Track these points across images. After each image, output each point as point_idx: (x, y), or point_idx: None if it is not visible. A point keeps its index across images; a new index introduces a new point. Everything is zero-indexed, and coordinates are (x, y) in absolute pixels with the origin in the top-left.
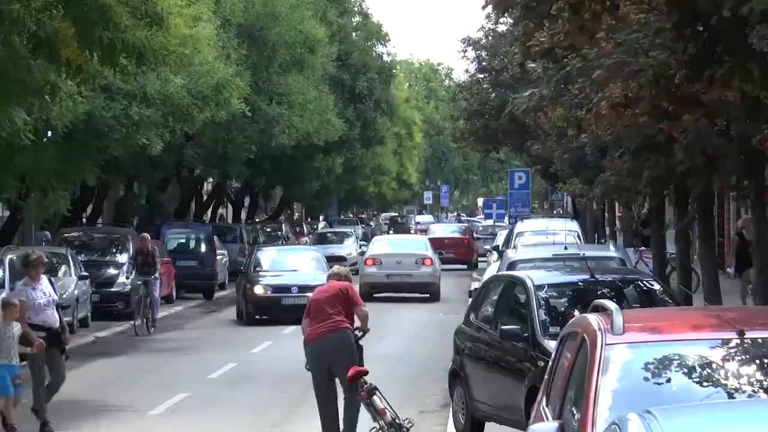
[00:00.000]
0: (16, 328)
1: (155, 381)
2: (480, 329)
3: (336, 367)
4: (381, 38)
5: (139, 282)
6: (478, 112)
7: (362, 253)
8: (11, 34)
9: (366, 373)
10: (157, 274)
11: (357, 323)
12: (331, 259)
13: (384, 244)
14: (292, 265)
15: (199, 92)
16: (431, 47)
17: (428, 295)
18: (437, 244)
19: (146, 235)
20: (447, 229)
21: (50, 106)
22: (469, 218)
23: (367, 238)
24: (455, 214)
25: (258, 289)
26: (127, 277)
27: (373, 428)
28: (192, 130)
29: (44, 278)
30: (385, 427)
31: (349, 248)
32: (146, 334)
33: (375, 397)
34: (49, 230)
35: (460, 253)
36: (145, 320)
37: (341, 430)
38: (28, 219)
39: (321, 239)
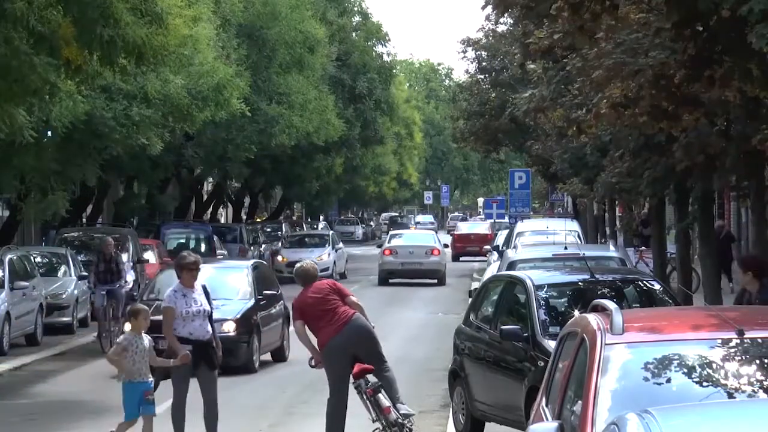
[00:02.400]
0: (147, 340)
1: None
2: (480, 329)
3: (365, 353)
4: (381, 38)
5: (103, 292)
6: (478, 112)
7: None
8: (13, 31)
9: (371, 371)
10: (123, 282)
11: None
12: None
13: (399, 238)
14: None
15: (199, 92)
16: (431, 47)
17: (436, 281)
18: (464, 239)
19: (109, 239)
20: (472, 226)
21: (50, 106)
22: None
23: (367, 238)
24: (456, 213)
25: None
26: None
27: (376, 429)
28: (192, 130)
29: (199, 286)
30: (388, 428)
31: (319, 253)
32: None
33: (380, 395)
34: (50, 230)
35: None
36: (109, 334)
37: (392, 396)
38: (28, 219)
39: (293, 244)
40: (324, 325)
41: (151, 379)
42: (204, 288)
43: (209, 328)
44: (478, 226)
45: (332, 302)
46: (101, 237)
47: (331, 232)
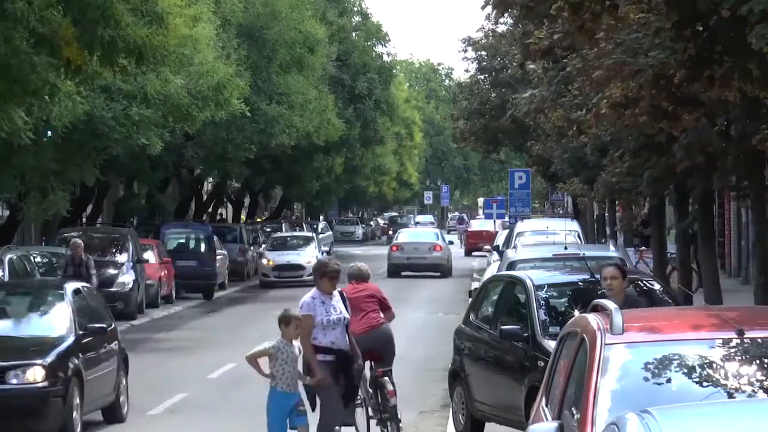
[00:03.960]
0: (297, 348)
1: (154, 381)
2: (480, 329)
3: (383, 359)
4: (381, 38)
5: None
6: (477, 112)
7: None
8: (14, 31)
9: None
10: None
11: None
12: (286, 268)
13: (405, 235)
14: None
15: (199, 92)
16: (431, 47)
17: (439, 273)
18: (476, 236)
19: (79, 241)
20: (483, 224)
21: (50, 106)
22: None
23: (367, 238)
24: (455, 213)
25: None
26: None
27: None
28: (192, 130)
29: (336, 293)
30: (383, 411)
31: (308, 256)
32: None
33: (386, 379)
34: (49, 230)
35: None
36: None
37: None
38: (28, 219)
39: (277, 246)
40: (353, 320)
41: (298, 391)
42: (341, 294)
43: (347, 337)
44: (488, 223)
45: (369, 305)
46: (72, 239)
47: (320, 233)
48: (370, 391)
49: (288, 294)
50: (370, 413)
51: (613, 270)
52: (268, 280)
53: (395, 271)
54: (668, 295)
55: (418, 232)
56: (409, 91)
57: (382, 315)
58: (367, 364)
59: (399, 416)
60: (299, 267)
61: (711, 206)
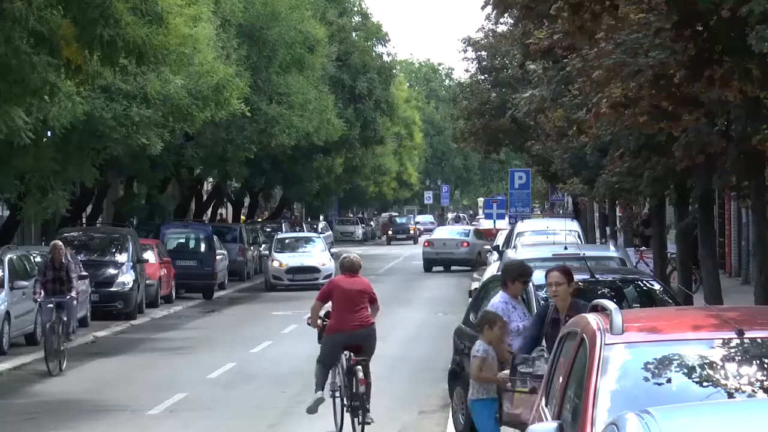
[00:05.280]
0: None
1: (154, 381)
2: None
3: (364, 351)
4: (381, 38)
5: (50, 305)
6: (477, 112)
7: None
8: (13, 31)
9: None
10: (74, 293)
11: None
12: (300, 270)
13: (437, 233)
14: None
15: (199, 92)
16: (431, 47)
17: (469, 268)
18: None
19: (59, 243)
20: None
21: (49, 106)
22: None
23: (367, 238)
24: (455, 214)
25: None
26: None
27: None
28: (192, 130)
29: (519, 297)
30: (352, 398)
31: (321, 257)
32: (59, 373)
33: (360, 368)
34: (49, 230)
35: None
36: (59, 355)
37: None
38: (28, 219)
39: (283, 247)
40: (343, 314)
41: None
42: (522, 299)
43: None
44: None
45: (361, 301)
46: (53, 241)
47: (321, 234)
48: (345, 380)
49: (289, 294)
50: (345, 402)
51: (557, 275)
52: (281, 283)
53: (428, 266)
54: (668, 295)
55: (448, 230)
56: (409, 91)
57: (371, 316)
58: (344, 355)
59: (368, 405)
60: (314, 269)
61: (711, 206)
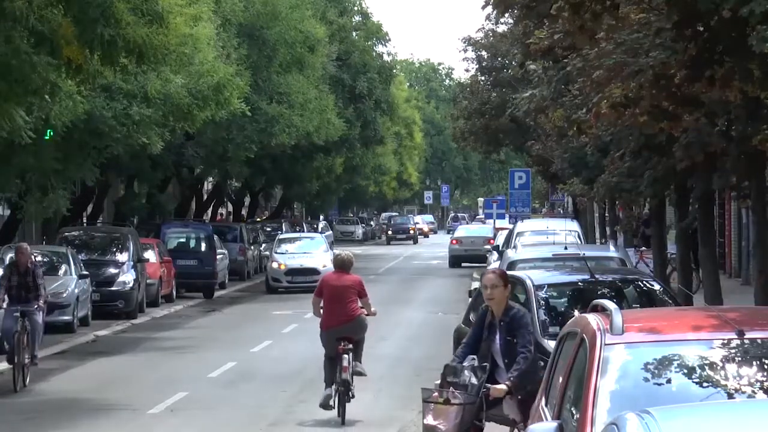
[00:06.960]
0: None
1: (154, 380)
2: None
3: (355, 342)
4: (381, 38)
5: (16, 313)
6: (478, 112)
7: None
8: (14, 30)
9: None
10: (41, 302)
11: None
12: (300, 272)
13: (462, 231)
14: None
15: (199, 92)
16: (431, 47)
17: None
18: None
19: (25, 245)
20: (502, 222)
21: (49, 105)
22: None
23: (367, 237)
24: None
25: None
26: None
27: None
28: (192, 129)
29: None
30: (337, 384)
31: (322, 258)
32: (23, 387)
33: (346, 356)
34: (50, 230)
35: None
36: (23, 365)
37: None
38: (28, 218)
39: (284, 247)
40: (333, 310)
41: None
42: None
43: None
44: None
45: (349, 296)
46: (18, 244)
47: (322, 234)
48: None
49: (289, 294)
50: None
51: (492, 278)
52: (280, 285)
53: (455, 262)
54: (668, 295)
55: (474, 228)
56: (410, 91)
57: (359, 303)
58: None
59: (351, 392)
60: (313, 271)
61: (711, 206)
